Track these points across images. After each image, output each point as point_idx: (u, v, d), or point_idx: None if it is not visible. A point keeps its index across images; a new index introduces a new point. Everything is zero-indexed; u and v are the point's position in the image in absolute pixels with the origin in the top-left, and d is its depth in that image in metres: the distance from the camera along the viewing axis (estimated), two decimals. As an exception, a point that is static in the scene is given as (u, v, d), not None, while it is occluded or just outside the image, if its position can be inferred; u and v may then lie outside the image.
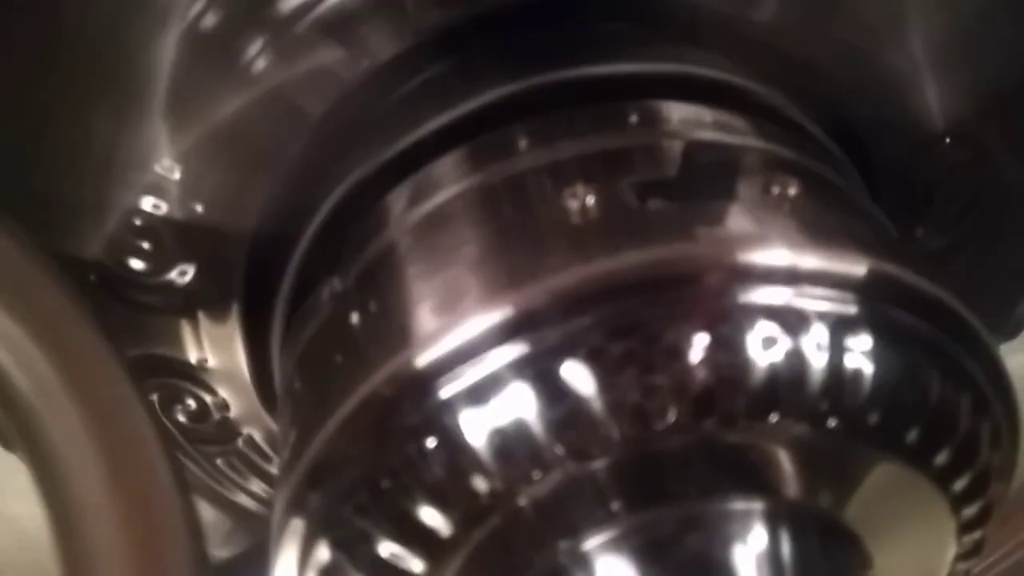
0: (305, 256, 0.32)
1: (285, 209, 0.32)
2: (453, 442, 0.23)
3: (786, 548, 0.24)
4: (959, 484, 0.25)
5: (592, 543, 0.24)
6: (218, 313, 0.34)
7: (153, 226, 0.31)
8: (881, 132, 0.32)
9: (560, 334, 0.22)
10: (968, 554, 0.27)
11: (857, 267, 0.24)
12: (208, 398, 0.35)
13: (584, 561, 0.24)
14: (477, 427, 0.23)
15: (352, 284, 0.29)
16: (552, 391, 0.22)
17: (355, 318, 0.27)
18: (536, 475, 0.22)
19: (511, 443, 0.22)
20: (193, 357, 0.34)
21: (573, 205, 0.24)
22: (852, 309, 0.23)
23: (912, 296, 0.24)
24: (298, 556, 0.26)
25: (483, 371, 0.23)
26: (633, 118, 0.28)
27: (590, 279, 0.23)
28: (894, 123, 0.32)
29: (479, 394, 0.23)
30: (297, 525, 0.26)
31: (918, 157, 0.33)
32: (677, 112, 0.28)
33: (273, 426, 0.36)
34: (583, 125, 0.28)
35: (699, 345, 0.22)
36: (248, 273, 0.33)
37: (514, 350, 0.23)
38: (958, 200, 0.34)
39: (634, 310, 0.22)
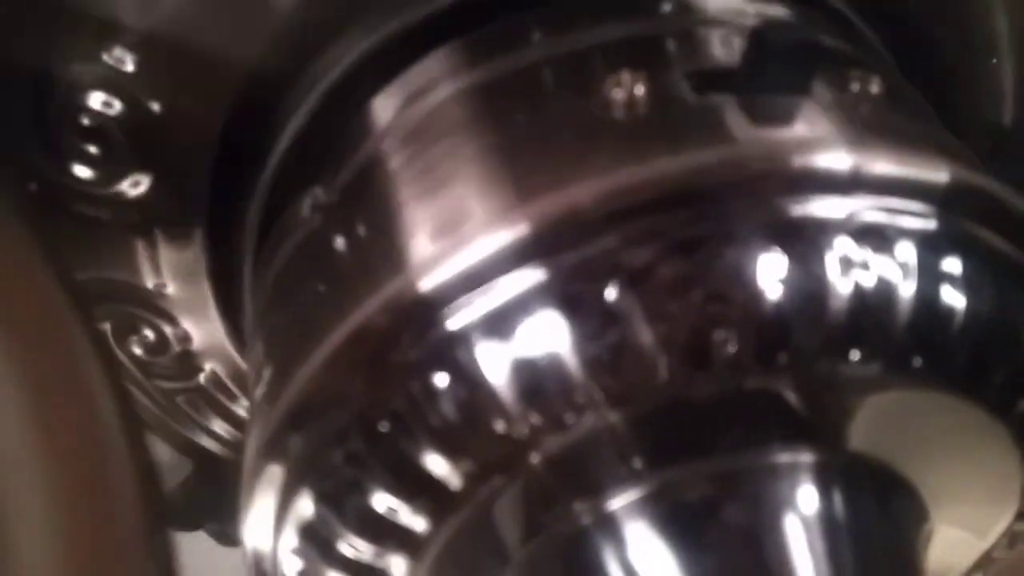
0: (279, 167, 0.28)
1: (255, 112, 0.28)
2: (468, 379, 0.19)
3: (839, 507, 0.21)
4: None
5: (618, 503, 0.20)
6: (177, 232, 0.30)
7: (102, 127, 0.27)
8: (942, 47, 0.29)
9: (596, 253, 0.19)
10: None
11: (938, 174, 0.20)
12: (167, 328, 0.32)
13: (609, 524, 0.20)
14: (498, 362, 0.19)
15: (336, 199, 0.25)
16: (591, 320, 0.18)
17: (340, 242, 0.24)
18: (569, 419, 0.19)
19: (541, 381, 0.19)
20: (150, 282, 0.31)
21: (618, 96, 0.20)
22: (934, 224, 0.20)
23: (999, 212, 0.21)
24: (275, 508, 0.22)
25: (502, 297, 0.19)
26: (666, 5, 0.24)
27: (634, 186, 0.19)
28: (960, 38, 0.28)
29: (499, 324, 0.19)
30: (274, 471, 0.22)
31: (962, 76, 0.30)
32: (714, 1, 0.25)
33: (240, 362, 0.33)
34: (607, 12, 0.24)
35: (769, 266, 0.18)
36: (212, 185, 0.29)
37: (537, 273, 0.19)
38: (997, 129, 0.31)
39: (687, 224, 0.19)
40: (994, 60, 0.30)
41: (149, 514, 0.13)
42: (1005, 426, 0.22)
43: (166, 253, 0.30)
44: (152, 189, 0.28)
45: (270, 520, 0.23)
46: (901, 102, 0.23)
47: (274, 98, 0.28)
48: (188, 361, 0.33)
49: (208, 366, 0.33)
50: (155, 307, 0.31)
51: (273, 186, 0.29)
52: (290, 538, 0.22)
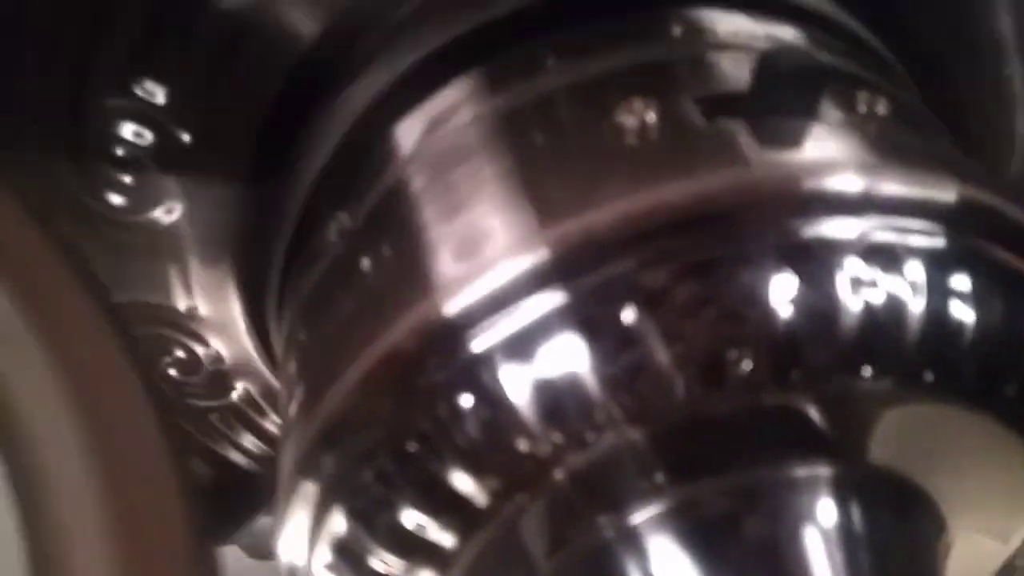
0: (306, 194, 0.29)
1: (282, 141, 0.29)
2: (492, 400, 0.20)
3: (857, 520, 0.21)
4: None
5: (640, 517, 0.21)
6: (209, 256, 0.31)
7: (135, 157, 0.28)
8: (949, 55, 0.29)
9: (614, 276, 0.19)
10: None
11: (946, 193, 0.20)
12: (199, 349, 0.32)
13: (632, 538, 0.21)
14: (520, 383, 0.20)
15: (361, 224, 0.26)
16: (609, 341, 0.19)
17: (366, 263, 0.24)
18: (589, 437, 0.19)
19: (562, 401, 0.19)
20: (182, 304, 0.31)
21: (630, 123, 0.20)
22: (942, 242, 0.20)
23: (1007, 228, 0.21)
24: (309, 524, 0.23)
25: (523, 320, 0.20)
26: (676, 29, 0.25)
27: (650, 210, 0.19)
28: (965, 44, 0.29)
29: (521, 346, 0.20)
30: (308, 488, 0.23)
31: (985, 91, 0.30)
32: (724, 23, 0.25)
33: (270, 379, 0.34)
34: (618, 38, 0.24)
35: (781, 286, 0.19)
36: (242, 212, 0.29)
37: (557, 296, 0.20)
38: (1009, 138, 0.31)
39: (702, 247, 0.19)
40: (1007, 70, 0.30)
41: (194, 520, 0.13)
42: (1019, 436, 0.22)
43: (197, 276, 0.31)
44: (184, 216, 0.29)
45: (304, 536, 0.23)
46: (909, 120, 0.23)
47: (300, 127, 0.29)
48: (220, 380, 0.33)
49: (240, 384, 0.34)
50: (187, 328, 0.32)
51: (302, 210, 0.29)
52: (324, 553, 0.23)
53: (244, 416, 0.35)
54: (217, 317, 0.32)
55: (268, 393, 0.34)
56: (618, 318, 0.19)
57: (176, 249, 0.30)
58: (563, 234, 0.20)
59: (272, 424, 0.35)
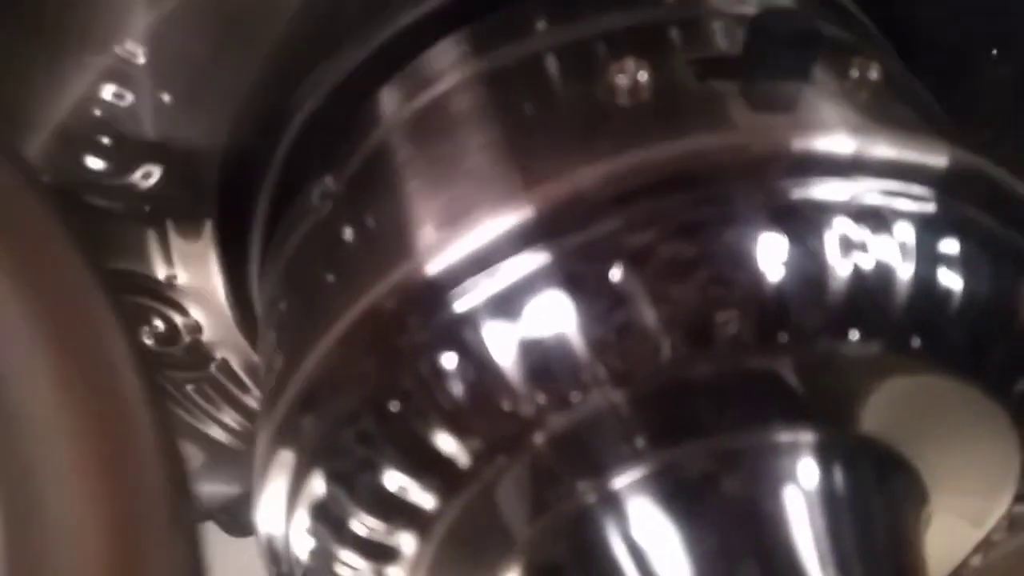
0: (287, 158, 0.29)
1: (265, 104, 0.28)
2: (475, 359, 0.19)
3: (839, 485, 0.21)
4: None
5: (622, 482, 0.21)
6: (189, 223, 0.30)
7: (114, 118, 0.27)
8: (925, 29, 0.29)
9: (600, 235, 0.19)
10: None
11: (937, 159, 0.20)
12: (178, 319, 0.32)
13: (613, 502, 0.21)
14: (504, 342, 0.19)
15: (344, 188, 0.26)
16: (595, 301, 0.19)
17: (348, 231, 0.24)
18: (574, 398, 0.19)
19: (546, 361, 0.19)
20: (161, 272, 0.31)
21: (622, 82, 0.20)
22: (933, 207, 0.20)
23: (997, 196, 0.21)
24: (287, 490, 0.23)
25: (507, 279, 0.20)
26: None
27: (637, 169, 0.19)
28: (940, 21, 0.29)
29: (505, 305, 0.19)
30: (286, 456, 0.23)
31: (961, 65, 0.30)
32: None
33: (250, 352, 0.33)
34: (610, 2, 0.24)
35: (770, 247, 0.19)
36: (223, 176, 0.29)
37: (542, 255, 0.19)
38: (997, 120, 0.31)
39: (690, 207, 0.19)
40: (994, 51, 0.30)
41: (174, 479, 0.13)
42: (1003, 407, 0.22)
43: (177, 243, 0.30)
44: (163, 180, 0.29)
45: (282, 503, 0.23)
46: (900, 89, 0.23)
47: (285, 90, 0.28)
48: (199, 351, 0.33)
49: (219, 355, 0.33)
50: (166, 297, 0.31)
51: (282, 177, 0.29)
52: (302, 519, 0.22)
53: (223, 389, 0.35)
54: (197, 286, 0.31)
55: (249, 366, 0.34)
56: (605, 278, 0.19)
57: (155, 215, 0.29)
58: (549, 193, 0.20)
59: (253, 399, 0.35)
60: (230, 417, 0.36)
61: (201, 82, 0.27)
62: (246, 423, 0.36)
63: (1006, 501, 0.25)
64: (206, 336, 0.33)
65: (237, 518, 0.39)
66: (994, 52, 0.30)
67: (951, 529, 0.24)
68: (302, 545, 0.23)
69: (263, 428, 0.24)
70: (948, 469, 0.23)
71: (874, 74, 0.22)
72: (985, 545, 0.27)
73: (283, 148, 0.29)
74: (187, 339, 0.32)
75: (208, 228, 0.30)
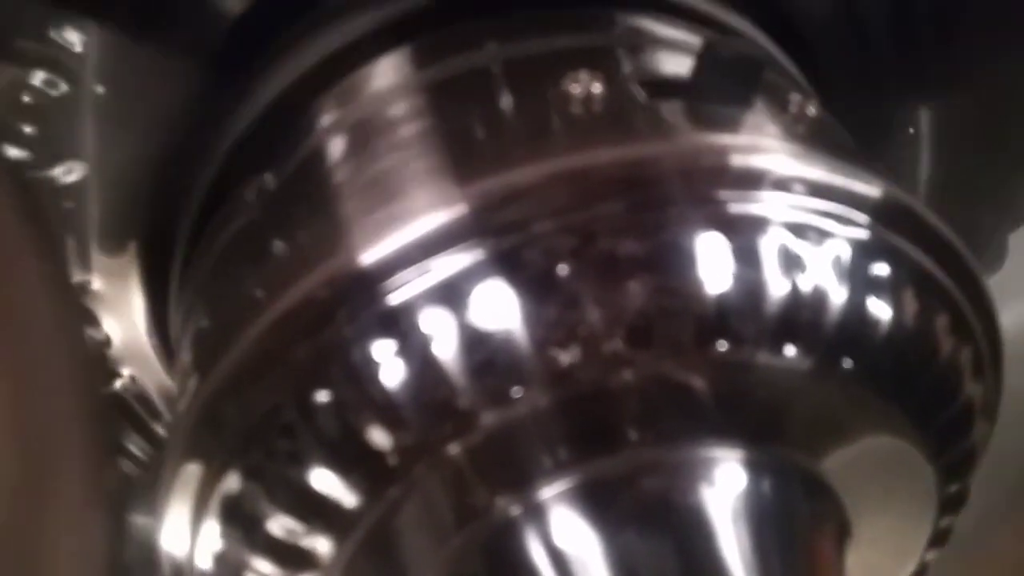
0: (221, 162, 0.28)
1: (200, 116, 0.28)
2: (413, 350, 0.19)
3: (764, 504, 0.21)
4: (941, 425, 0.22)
5: (546, 493, 0.20)
6: (110, 226, 0.29)
7: (41, 107, 0.26)
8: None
9: (538, 234, 0.19)
10: (950, 506, 0.24)
11: (872, 188, 0.21)
12: (87, 329, 0.30)
13: (538, 513, 0.20)
14: (444, 334, 0.19)
15: (277, 190, 0.25)
16: (530, 299, 0.19)
17: (278, 245, 0.23)
18: (514, 393, 0.19)
19: (488, 354, 0.19)
20: (75, 276, 0.29)
21: (576, 91, 0.20)
22: (867, 233, 0.21)
23: (924, 231, 0.22)
24: (193, 502, 0.22)
25: (445, 272, 0.19)
26: (618, 26, 0.25)
27: (577, 171, 0.19)
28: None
29: (446, 297, 0.19)
30: (193, 469, 0.22)
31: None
32: (663, 28, 0.26)
33: (165, 377, 0.32)
34: (561, 27, 0.25)
35: (712, 253, 0.19)
36: (149, 179, 0.28)
37: (478, 252, 0.19)
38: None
39: (629, 212, 0.19)
40: (911, 130, 0.32)
41: (86, 406, 0.12)
42: (923, 439, 0.22)
43: (95, 247, 0.29)
44: (86, 178, 0.28)
45: (187, 518, 0.22)
46: (833, 130, 0.24)
47: (223, 99, 0.28)
48: (103, 365, 0.31)
49: (127, 372, 0.32)
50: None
51: (215, 184, 0.28)
52: (210, 529, 0.21)
53: (129, 411, 0.33)
54: (113, 295, 0.30)
55: (163, 392, 0.32)
56: (549, 274, 0.19)
57: (74, 214, 0.28)
58: (483, 190, 0.19)
59: (163, 428, 0.33)
60: (136, 446, 0.34)
61: (135, 84, 0.27)
62: (154, 453, 0.34)
63: (923, 541, 0.25)
64: (115, 350, 0.31)
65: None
66: (911, 130, 0.31)
67: (872, 566, 0.24)
68: (208, 556, 0.22)
69: (171, 444, 0.23)
70: (869, 500, 0.23)
71: (812, 110, 0.22)
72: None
73: (217, 157, 0.28)
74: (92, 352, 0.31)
75: (130, 232, 0.29)
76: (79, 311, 0.12)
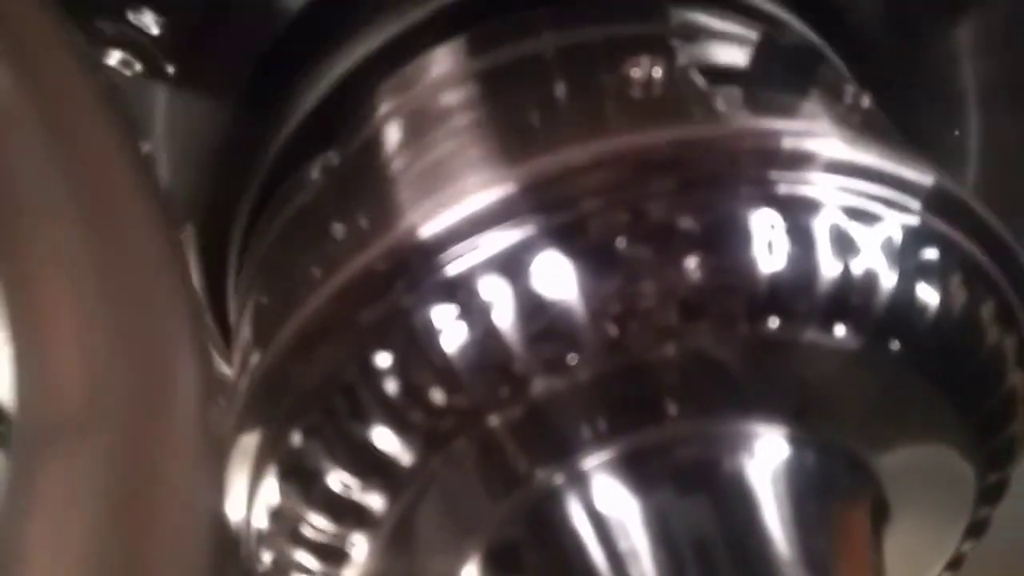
0: (279, 156, 0.29)
1: (262, 104, 0.28)
2: (470, 318, 0.20)
3: (806, 482, 0.21)
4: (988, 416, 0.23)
5: (589, 463, 0.21)
6: (169, 208, 0.29)
7: (115, 88, 0.27)
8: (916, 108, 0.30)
9: (589, 211, 0.20)
10: (989, 497, 0.24)
11: (924, 177, 0.21)
12: None
13: (580, 483, 0.21)
14: (503, 302, 0.20)
15: (335, 175, 0.26)
16: (589, 272, 0.19)
17: (337, 227, 0.24)
18: (570, 360, 0.19)
19: (547, 321, 0.19)
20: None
21: (637, 75, 0.21)
22: (918, 219, 0.21)
23: (974, 222, 0.22)
24: (253, 461, 0.22)
25: (501, 244, 0.20)
26: (673, 18, 0.26)
27: (634, 150, 0.20)
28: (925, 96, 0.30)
29: (505, 266, 0.20)
30: (251, 437, 0.22)
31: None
32: (717, 22, 0.26)
33: (218, 362, 0.32)
34: (616, 18, 0.25)
35: (765, 231, 0.19)
36: (213, 163, 0.29)
37: (529, 228, 0.20)
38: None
39: (683, 190, 0.20)
40: (956, 132, 0.32)
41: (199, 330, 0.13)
42: (967, 426, 0.22)
43: None
44: (148, 157, 0.29)
45: (245, 480, 0.23)
46: (885, 122, 0.24)
47: (286, 81, 0.29)
48: None
49: None
50: None
51: (271, 177, 0.29)
52: (270, 483, 0.22)
53: None
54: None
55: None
56: (601, 248, 0.19)
57: None
58: (536, 168, 0.20)
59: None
60: None
61: (209, 60, 0.28)
62: None
63: (960, 530, 0.25)
64: None
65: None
66: (956, 133, 0.31)
67: (907, 554, 0.24)
68: (264, 513, 0.22)
69: (231, 415, 0.23)
70: (908, 486, 0.23)
71: (866, 102, 0.23)
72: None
73: (277, 143, 0.29)
74: None
75: (189, 219, 0.30)
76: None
